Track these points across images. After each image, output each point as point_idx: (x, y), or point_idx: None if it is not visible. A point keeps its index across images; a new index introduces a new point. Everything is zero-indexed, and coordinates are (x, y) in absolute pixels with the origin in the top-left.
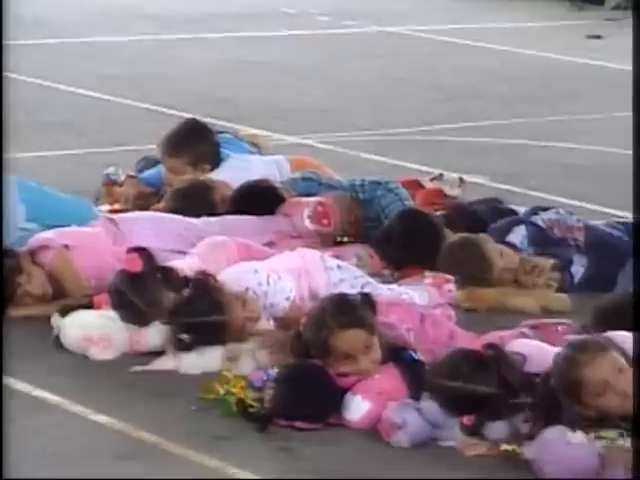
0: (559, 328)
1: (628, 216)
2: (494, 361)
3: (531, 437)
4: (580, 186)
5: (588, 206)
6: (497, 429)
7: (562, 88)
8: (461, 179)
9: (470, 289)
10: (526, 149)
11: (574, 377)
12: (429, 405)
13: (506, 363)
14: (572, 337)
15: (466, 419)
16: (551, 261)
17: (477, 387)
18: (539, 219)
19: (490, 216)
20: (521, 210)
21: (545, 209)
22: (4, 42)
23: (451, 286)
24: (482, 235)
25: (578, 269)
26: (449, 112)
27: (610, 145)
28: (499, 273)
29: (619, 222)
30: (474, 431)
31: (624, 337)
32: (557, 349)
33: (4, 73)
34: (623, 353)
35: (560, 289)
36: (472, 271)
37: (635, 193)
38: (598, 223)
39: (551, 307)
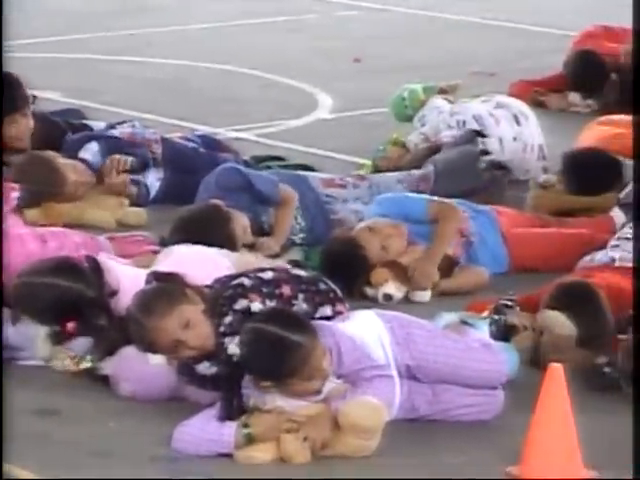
0: (138, 239)
1: (201, 128)
2: (93, 270)
3: (111, 353)
4: (154, 100)
5: (162, 119)
6: (81, 342)
7: (141, 1)
8: (34, 96)
9: (46, 205)
10: (99, 64)
11: (145, 340)
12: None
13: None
14: (143, 290)
15: (69, 326)
16: (130, 158)
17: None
18: (116, 132)
19: (64, 130)
20: (98, 125)
21: (121, 123)
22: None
23: (16, 194)
24: (49, 152)
25: (154, 182)
26: None
27: (181, 58)
28: (73, 186)
29: (195, 134)
30: (63, 340)
31: (204, 266)
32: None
33: None
34: (199, 292)
35: (136, 203)
36: (47, 185)
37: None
38: (173, 136)
39: (127, 221)
